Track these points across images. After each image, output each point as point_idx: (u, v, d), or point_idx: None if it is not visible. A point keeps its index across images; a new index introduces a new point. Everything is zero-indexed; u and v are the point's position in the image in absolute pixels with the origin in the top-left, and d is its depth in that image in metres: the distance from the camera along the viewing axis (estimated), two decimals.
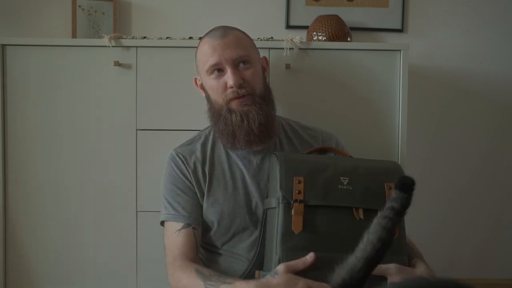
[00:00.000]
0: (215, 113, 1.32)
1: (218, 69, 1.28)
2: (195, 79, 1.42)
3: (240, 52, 1.28)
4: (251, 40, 1.36)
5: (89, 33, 1.91)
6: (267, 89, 1.35)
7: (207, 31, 1.36)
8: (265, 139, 1.29)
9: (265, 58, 1.43)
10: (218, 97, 1.30)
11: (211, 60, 1.27)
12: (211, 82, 1.30)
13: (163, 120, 1.61)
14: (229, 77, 1.26)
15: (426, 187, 2.05)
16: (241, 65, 1.28)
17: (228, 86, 1.27)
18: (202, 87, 1.38)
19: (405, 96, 1.61)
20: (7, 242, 1.61)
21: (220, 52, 1.27)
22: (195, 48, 1.37)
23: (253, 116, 1.26)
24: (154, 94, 1.60)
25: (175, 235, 1.27)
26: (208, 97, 1.35)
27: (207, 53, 1.28)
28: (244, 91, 1.27)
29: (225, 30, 1.31)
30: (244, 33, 1.35)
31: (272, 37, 1.67)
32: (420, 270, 1.10)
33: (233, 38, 1.29)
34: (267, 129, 1.29)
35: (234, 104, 1.28)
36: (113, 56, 1.59)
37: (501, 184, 2.09)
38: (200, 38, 1.40)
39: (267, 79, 1.42)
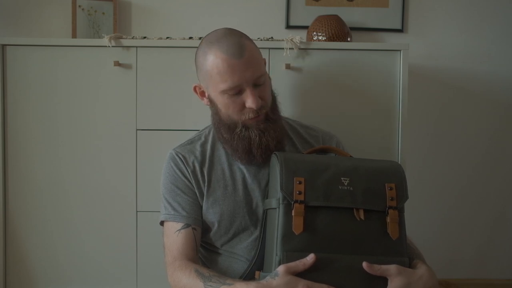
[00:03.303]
0: (226, 127, 1.27)
1: (235, 90, 1.22)
2: (195, 87, 1.34)
3: (258, 71, 1.22)
4: (258, 49, 1.29)
5: (89, 33, 1.91)
6: (273, 97, 1.33)
7: (212, 35, 1.26)
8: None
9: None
10: (233, 114, 1.25)
11: (231, 82, 1.20)
12: (225, 100, 1.24)
13: (163, 120, 1.61)
14: (250, 100, 1.21)
15: (426, 187, 2.05)
16: (257, 84, 1.23)
17: (247, 106, 1.22)
18: (204, 95, 1.32)
19: (405, 96, 1.61)
20: (7, 242, 1.61)
21: (240, 74, 1.20)
22: (197, 52, 1.28)
23: (272, 135, 1.25)
24: (154, 94, 1.60)
25: (175, 235, 1.27)
26: (216, 109, 1.29)
27: (225, 72, 1.19)
28: (263, 110, 1.25)
29: (240, 46, 1.20)
30: (253, 43, 1.27)
31: (272, 37, 1.67)
32: (421, 271, 1.09)
33: (250, 55, 1.21)
34: (281, 144, 1.29)
35: (250, 122, 1.25)
36: (113, 56, 1.59)
37: (501, 184, 2.09)
38: (201, 39, 1.37)
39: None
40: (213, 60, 1.21)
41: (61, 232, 1.61)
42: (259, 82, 1.23)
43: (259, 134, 1.24)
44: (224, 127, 1.28)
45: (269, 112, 1.28)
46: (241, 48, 1.20)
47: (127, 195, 1.61)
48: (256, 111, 1.23)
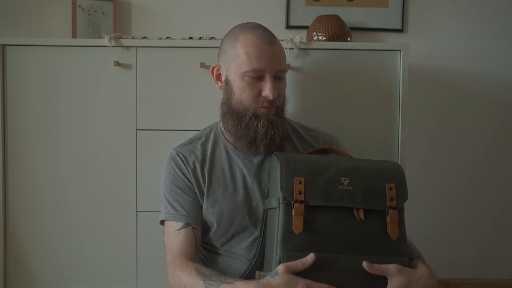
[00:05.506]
0: (234, 114, 1.29)
1: (257, 74, 1.25)
2: (213, 67, 1.34)
3: (283, 65, 1.28)
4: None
5: (89, 33, 1.91)
6: (284, 100, 1.35)
7: (244, 24, 1.31)
8: (279, 150, 1.28)
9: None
10: (246, 100, 1.26)
11: (256, 65, 1.23)
12: (243, 83, 1.26)
13: (163, 120, 1.61)
14: (268, 88, 1.24)
15: (426, 187, 2.05)
16: (277, 77, 1.27)
17: (263, 95, 1.25)
18: (220, 78, 1.33)
19: (405, 96, 1.61)
20: (7, 242, 1.61)
21: (268, 59, 1.23)
22: (226, 35, 1.31)
23: (279, 129, 1.27)
24: (154, 94, 1.60)
25: (175, 234, 1.27)
26: (229, 94, 1.30)
27: (253, 55, 1.23)
28: (277, 103, 1.27)
29: (272, 37, 1.28)
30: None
31: None
32: (421, 271, 1.10)
33: (278, 47, 1.28)
34: (283, 142, 1.30)
35: (261, 111, 1.27)
36: (113, 56, 1.59)
37: (501, 184, 2.09)
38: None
39: None
40: (244, 41, 1.25)
41: (61, 232, 1.61)
42: (279, 76, 1.27)
43: (267, 125, 1.26)
44: (232, 115, 1.29)
45: (279, 110, 1.30)
46: (272, 38, 1.27)
47: (127, 195, 1.61)
48: (270, 101, 1.25)
